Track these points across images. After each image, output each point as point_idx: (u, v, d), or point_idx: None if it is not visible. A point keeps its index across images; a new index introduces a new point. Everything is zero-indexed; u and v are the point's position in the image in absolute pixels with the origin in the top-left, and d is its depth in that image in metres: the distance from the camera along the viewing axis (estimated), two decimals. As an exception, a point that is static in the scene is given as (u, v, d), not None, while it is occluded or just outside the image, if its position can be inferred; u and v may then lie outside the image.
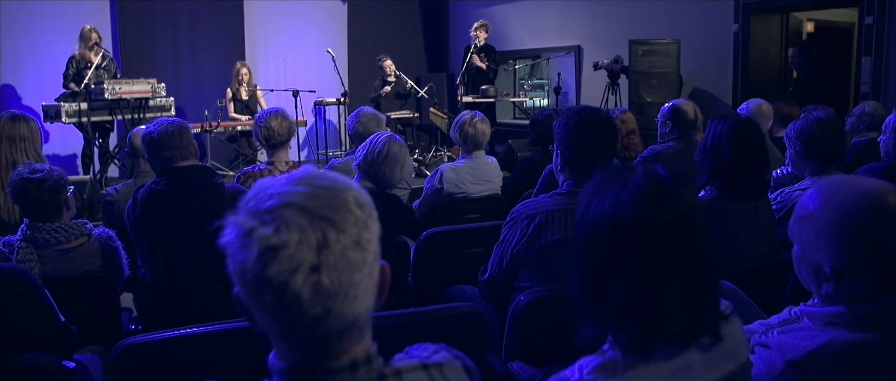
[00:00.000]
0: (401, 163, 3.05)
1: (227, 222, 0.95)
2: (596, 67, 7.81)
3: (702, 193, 2.68)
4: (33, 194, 2.65)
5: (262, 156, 5.69)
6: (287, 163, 3.65)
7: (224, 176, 6.97)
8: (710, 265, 1.20)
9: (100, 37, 6.94)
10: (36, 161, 3.33)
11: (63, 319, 2.23)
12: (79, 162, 7.34)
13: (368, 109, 4.36)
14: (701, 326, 1.19)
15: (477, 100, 8.28)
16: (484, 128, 4.09)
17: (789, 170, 3.24)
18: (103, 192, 5.05)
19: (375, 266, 0.99)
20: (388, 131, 3.18)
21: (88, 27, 6.93)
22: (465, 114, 4.16)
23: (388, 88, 8.44)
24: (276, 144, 3.57)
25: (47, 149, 7.99)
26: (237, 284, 0.96)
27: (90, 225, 2.84)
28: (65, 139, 7.89)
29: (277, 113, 3.63)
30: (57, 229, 2.70)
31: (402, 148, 3.09)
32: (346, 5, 10.06)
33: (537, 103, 9.93)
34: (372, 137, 3.09)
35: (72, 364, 2.20)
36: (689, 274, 1.16)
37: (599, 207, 1.20)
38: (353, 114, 4.32)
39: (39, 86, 7.67)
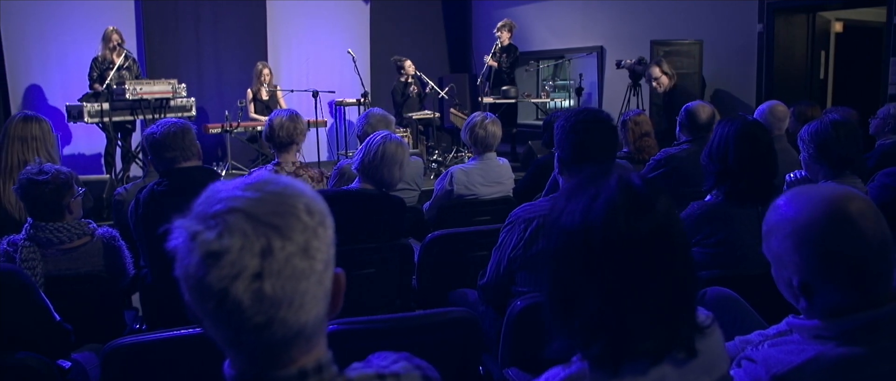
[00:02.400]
0: (399, 161, 2.99)
1: (175, 225, 0.94)
2: (618, 65, 7.71)
3: (708, 197, 2.62)
4: (35, 194, 2.68)
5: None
6: (294, 163, 3.64)
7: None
8: (686, 279, 1.15)
9: (122, 38, 7.02)
10: (47, 161, 3.36)
11: (58, 318, 2.24)
12: (103, 162, 7.44)
13: (378, 110, 4.31)
14: (675, 341, 1.15)
15: (498, 101, 8.22)
16: (494, 129, 4.04)
17: (803, 174, 3.14)
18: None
19: (326, 274, 0.97)
20: (386, 131, 3.13)
21: (110, 28, 7.02)
22: (477, 115, 4.11)
23: (414, 88, 8.43)
24: (279, 144, 3.57)
25: (72, 148, 8.14)
26: (183, 289, 0.94)
27: (94, 225, 2.86)
28: (90, 139, 8.01)
29: (282, 114, 3.62)
30: (59, 229, 2.72)
31: (399, 146, 3.02)
32: (368, 6, 10.08)
33: (559, 104, 9.84)
34: (368, 138, 3.04)
35: (67, 363, 2.22)
36: (663, 289, 1.11)
37: (571, 215, 1.16)
38: (362, 115, 4.30)
39: (65, 86, 7.79)
